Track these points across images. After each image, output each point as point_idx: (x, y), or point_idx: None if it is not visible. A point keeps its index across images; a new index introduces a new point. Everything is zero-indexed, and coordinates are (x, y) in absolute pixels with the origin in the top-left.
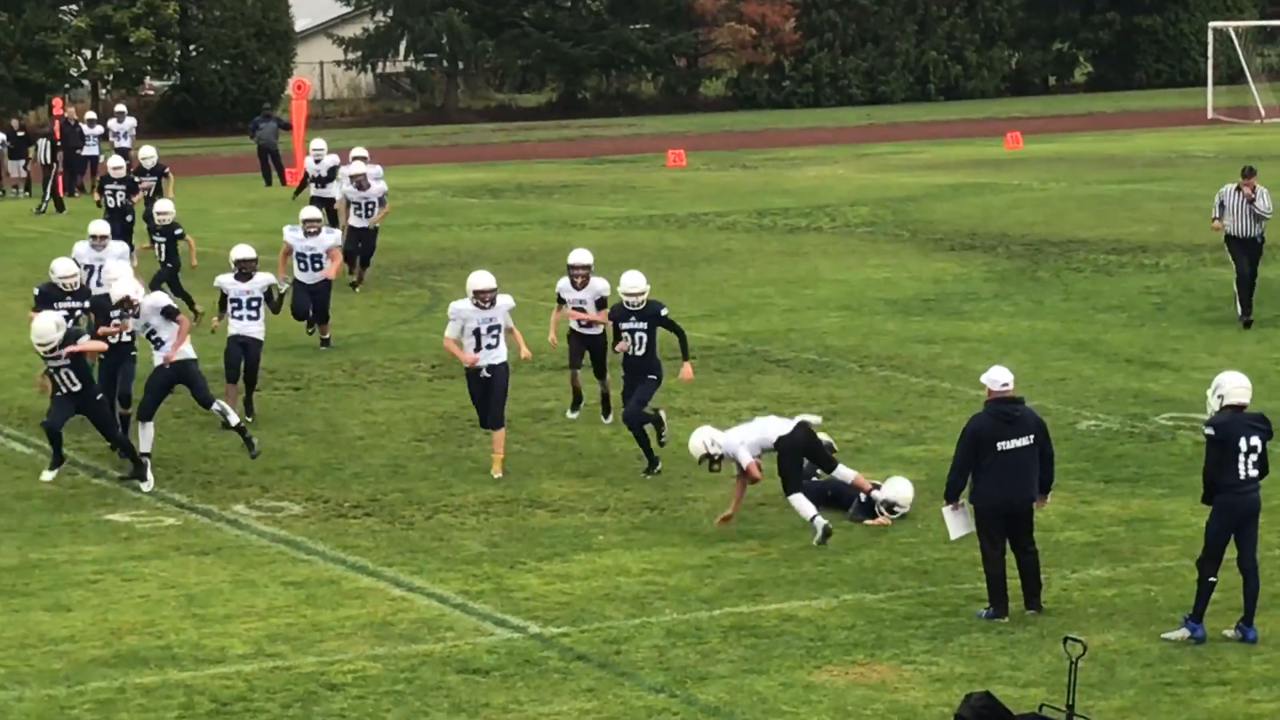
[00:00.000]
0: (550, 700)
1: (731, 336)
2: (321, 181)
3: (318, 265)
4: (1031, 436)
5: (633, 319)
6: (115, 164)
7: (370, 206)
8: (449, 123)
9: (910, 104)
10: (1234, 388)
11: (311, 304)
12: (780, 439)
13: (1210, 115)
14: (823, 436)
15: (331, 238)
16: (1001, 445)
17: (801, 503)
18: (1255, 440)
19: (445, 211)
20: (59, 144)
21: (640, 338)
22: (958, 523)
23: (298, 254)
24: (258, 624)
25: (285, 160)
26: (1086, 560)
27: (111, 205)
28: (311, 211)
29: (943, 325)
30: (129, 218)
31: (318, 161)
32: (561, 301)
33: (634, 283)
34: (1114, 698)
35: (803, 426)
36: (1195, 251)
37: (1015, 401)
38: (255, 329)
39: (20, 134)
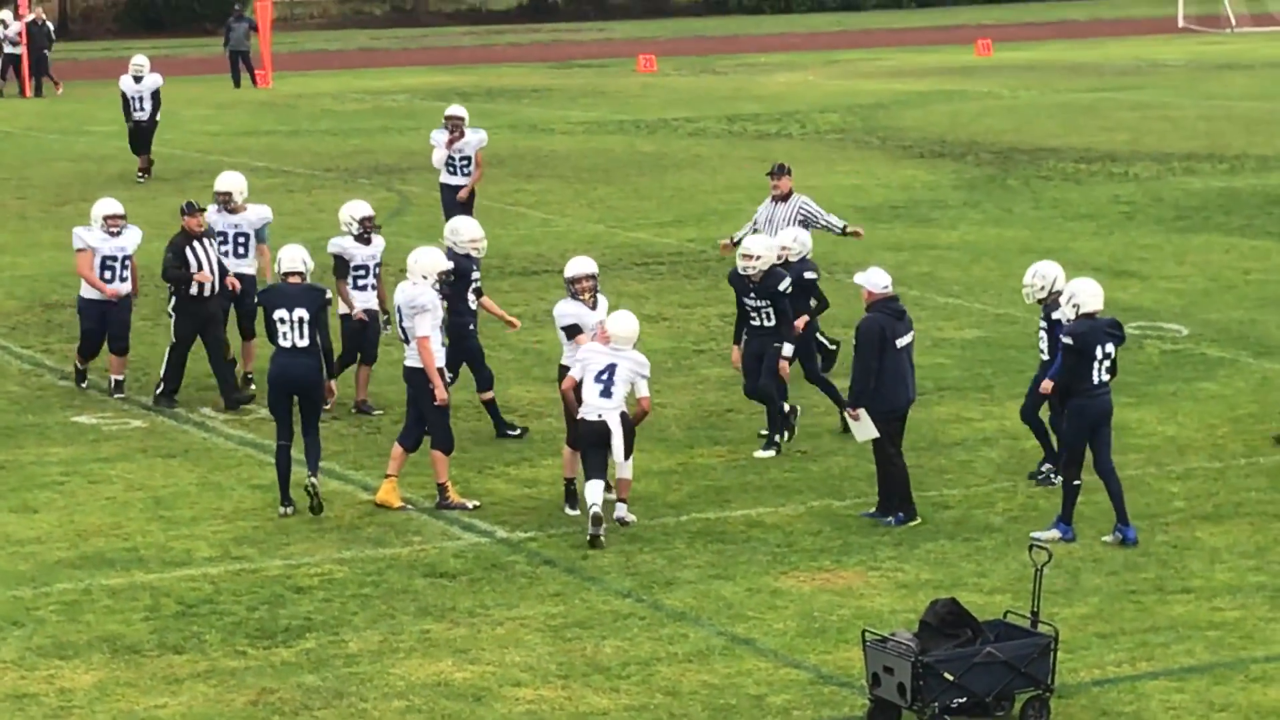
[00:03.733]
0: (517, 604)
1: (701, 243)
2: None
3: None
4: (912, 333)
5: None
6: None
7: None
8: (418, 26)
9: (882, 10)
10: (1089, 295)
11: None
12: None
13: (1181, 24)
14: None
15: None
16: (899, 342)
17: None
18: (1110, 347)
19: (414, 115)
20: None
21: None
22: (866, 428)
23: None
24: (224, 527)
25: (255, 63)
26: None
27: None
28: None
29: (911, 232)
30: None
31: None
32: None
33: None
34: (1078, 605)
35: None
36: (1164, 160)
37: (896, 299)
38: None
39: None
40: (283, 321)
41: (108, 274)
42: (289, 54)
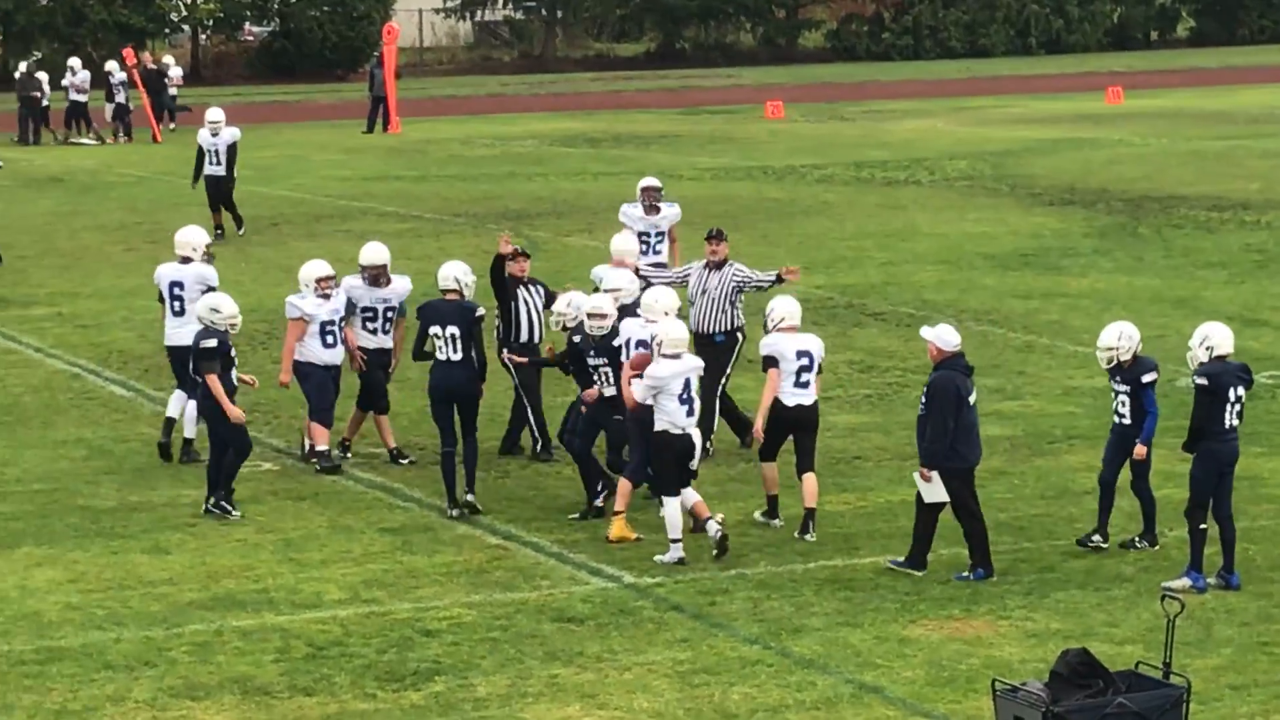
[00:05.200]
0: (645, 650)
1: (828, 289)
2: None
3: None
4: (974, 390)
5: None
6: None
7: None
8: (547, 71)
9: (1010, 57)
10: (1221, 338)
11: None
12: None
13: None
14: None
15: None
16: (970, 399)
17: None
18: (1240, 390)
19: (542, 161)
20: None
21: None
22: (937, 489)
23: None
24: (354, 569)
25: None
26: (1184, 518)
27: None
28: None
29: (1041, 280)
30: None
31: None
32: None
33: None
34: (1211, 656)
35: None
36: None
37: (963, 355)
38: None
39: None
40: (438, 336)
41: (329, 339)
42: (418, 99)
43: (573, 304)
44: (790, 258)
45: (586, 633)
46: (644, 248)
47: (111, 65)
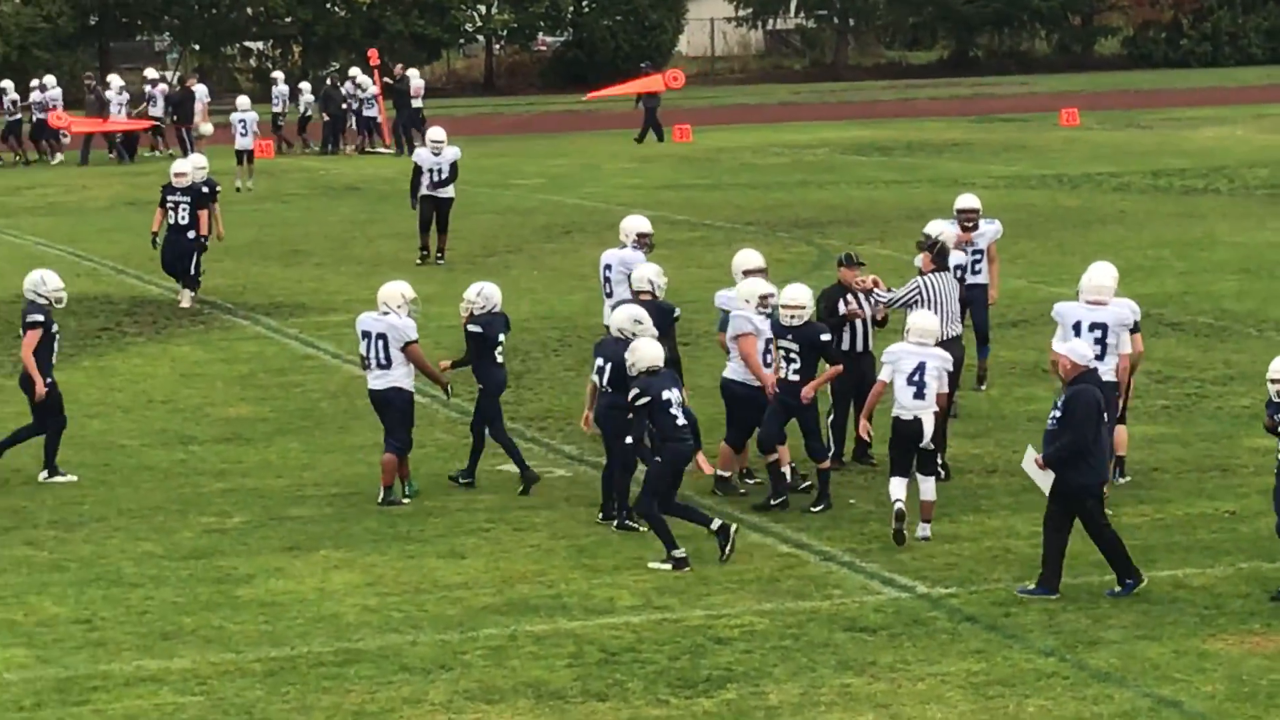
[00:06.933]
0: (938, 660)
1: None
2: None
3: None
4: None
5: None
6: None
7: None
8: (838, 80)
9: None
10: None
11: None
12: None
13: None
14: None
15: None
16: (1106, 415)
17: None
18: None
19: (834, 169)
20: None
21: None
22: (1047, 480)
23: None
24: (646, 576)
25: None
26: None
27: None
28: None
29: None
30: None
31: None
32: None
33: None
34: None
35: None
36: None
37: (1095, 372)
38: None
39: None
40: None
41: (769, 357)
42: (709, 108)
43: (483, 294)
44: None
45: (879, 643)
46: (959, 271)
47: (363, 79)
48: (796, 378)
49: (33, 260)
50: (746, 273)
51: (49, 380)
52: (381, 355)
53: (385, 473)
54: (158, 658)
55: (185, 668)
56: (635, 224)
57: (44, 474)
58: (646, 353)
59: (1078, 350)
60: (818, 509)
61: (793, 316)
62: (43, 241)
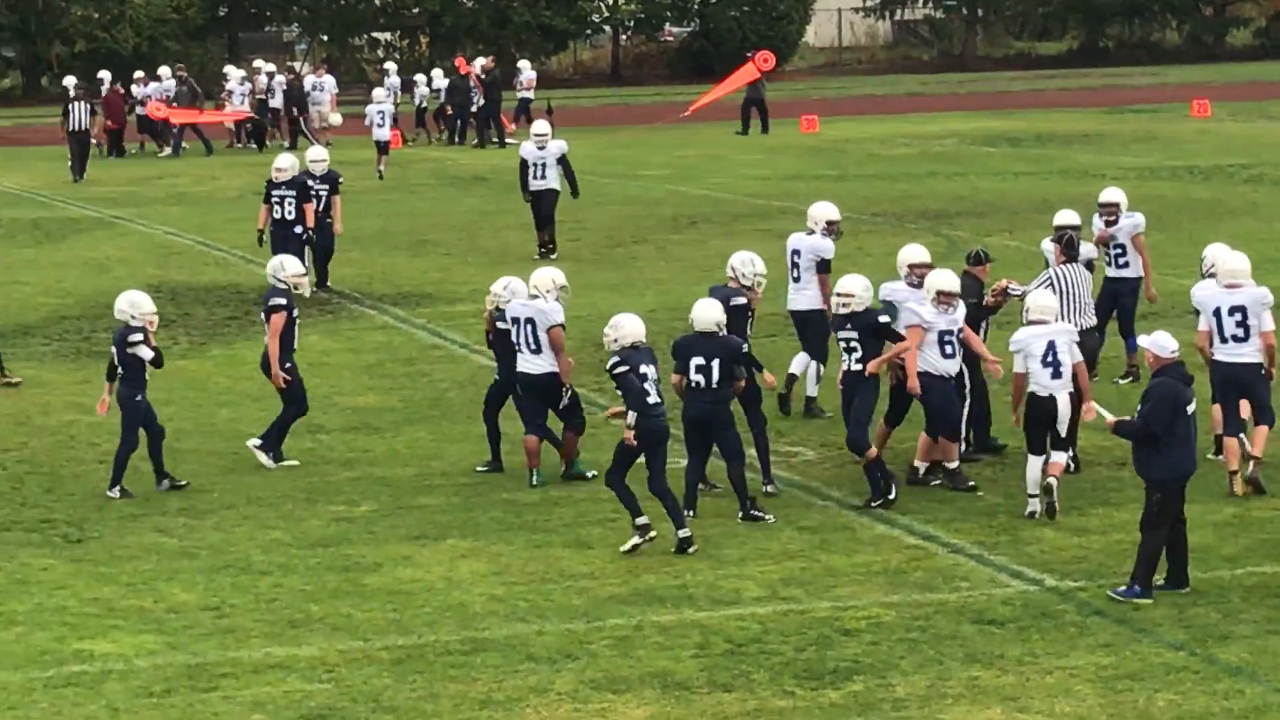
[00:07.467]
0: (1067, 654)
1: None
2: None
3: None
4: (1194, 400)
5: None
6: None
7: None
8: (967, 70)
9: None
10: None
11: None
12: None
13: None
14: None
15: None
16: (1189, 409)
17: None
18: None
19: (962, 160)
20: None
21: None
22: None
23: None
24: (772, 567)
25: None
26: None
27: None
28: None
29: None
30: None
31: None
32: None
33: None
34: None
35: None
36: None
37: (1183, 364)
38: None
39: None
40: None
41: (948, 349)
42: (837, 99)
43: (509, 288)
44: None
45: (1007, 635)
46: (1107, 259)
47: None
48: (860, 367)
49: (163, 250)
50: (912, 266)
51: (288, 364)
52: (531, 339)
53: (530, 455)
54: (286, 645)
55: (313, 655)
56: (824, 211)
57: (268, 459)
58: (629, 328)
59: (1160, 342)
60: (876, 504)
61: (845, 305)
62: (173, 231)
